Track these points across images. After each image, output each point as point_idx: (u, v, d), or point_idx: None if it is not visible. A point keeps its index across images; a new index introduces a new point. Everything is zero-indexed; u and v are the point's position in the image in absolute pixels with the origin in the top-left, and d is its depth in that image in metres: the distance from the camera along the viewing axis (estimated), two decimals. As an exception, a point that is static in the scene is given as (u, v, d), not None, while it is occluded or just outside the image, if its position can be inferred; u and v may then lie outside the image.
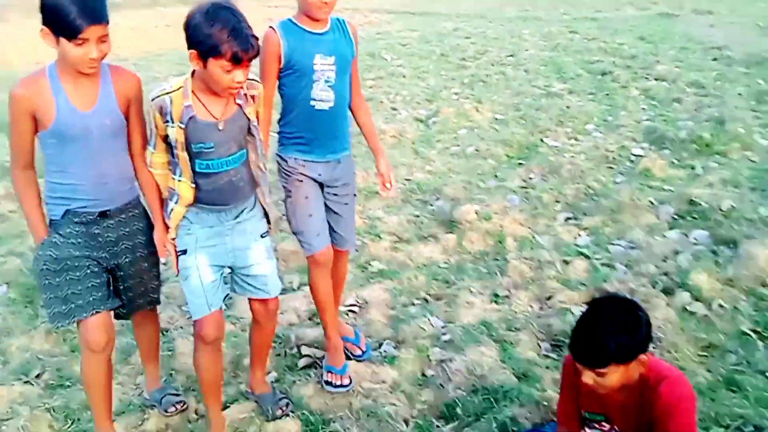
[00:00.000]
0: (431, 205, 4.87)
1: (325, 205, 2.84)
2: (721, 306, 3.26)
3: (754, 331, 3.09)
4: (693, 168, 5.16)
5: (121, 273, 2.49)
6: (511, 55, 10.30)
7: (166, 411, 2.80)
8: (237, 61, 2.05)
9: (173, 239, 2.40)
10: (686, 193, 4.52)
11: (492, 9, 17.33)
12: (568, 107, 7.04)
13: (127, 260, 2.47)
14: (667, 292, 3.41)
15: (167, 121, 2.20)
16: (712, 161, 5.25)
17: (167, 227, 2.40)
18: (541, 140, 6.13)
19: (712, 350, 3.00)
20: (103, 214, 2.34)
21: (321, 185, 2.80)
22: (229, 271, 2.53)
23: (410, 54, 10.91)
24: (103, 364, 2.43)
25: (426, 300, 3.68)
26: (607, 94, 7.56)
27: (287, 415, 2.72)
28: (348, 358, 3.01)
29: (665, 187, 4.84)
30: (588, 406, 2.12)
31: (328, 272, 2.87)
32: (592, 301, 2.03)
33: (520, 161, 5.70)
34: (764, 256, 3.54)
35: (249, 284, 2.56)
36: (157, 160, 2.34)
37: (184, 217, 2.37)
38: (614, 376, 1.88)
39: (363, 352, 3.13)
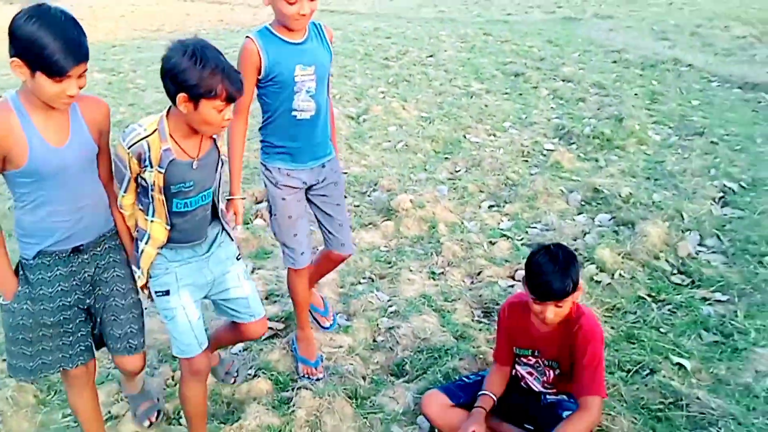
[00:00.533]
0: (369, 196, 5.31)
1: (317, 207, 2.91)
2: (621, 275, 3.88)
3: (649, 296, 3.71)
4: (597, 161, 5.82)
5: (97, 312, 2.35)
6: (431, 56, 10.88)
7: (141, 423, 2.85)
8: (231, 100, 2.06)
9: (145, 282, 2.35)
10: (591, 183, 5.16)
11: (409, 9, 17.93)
12: (486, 106, 7.64)
13: (102, 296, 2.31)
14: (578, 265, 4.00)
15: (145, 166, 2.12)
16: (613, 154, 5.94)
17: None
18: (464, 136, 6.68)
19: (615, 311, 3.58)
20: (77, 250, 2.18)
21: (308, 188, 2.85)
22: (202, 297, 2.48)
23: (335, 53, 11.26)
24: (89, 394, 2.52)
25: (371, 279, 4.12)
26: (521, 94, 8.22)
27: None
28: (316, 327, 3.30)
29: (573, 177, 5.47)
30: (519, 343, 2.62)
31: (306, 279, 3.04)
32: (539, 252, 2.45)
33: (446, 155, 6.22)
34: (656, 234, 4.19)
35: (231, 309, 2.54)
36: (127, 202, 2.25)
37: (158, 254, 2.29)
38: (567, 304, 2.40)
39: (330, 324, 3.41)
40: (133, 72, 10.80)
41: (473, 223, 4.79)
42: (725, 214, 4.57)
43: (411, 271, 4.13)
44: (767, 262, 3.91)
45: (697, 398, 2.78)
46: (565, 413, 2.50)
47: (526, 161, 5.96)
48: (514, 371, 2.72)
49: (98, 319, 2.36)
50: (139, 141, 2.07)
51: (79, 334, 2.33)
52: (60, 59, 1.85)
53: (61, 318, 2.24)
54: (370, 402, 2.97)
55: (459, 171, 5.79)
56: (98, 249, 2.25)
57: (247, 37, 2.58)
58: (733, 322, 3.34)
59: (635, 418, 2.71)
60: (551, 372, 2.60)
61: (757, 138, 6.04)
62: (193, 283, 2.36)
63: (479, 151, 6.13)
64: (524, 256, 4.13)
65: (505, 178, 5.52)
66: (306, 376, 3.10)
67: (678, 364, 3.07)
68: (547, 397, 2.63)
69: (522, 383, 2.72)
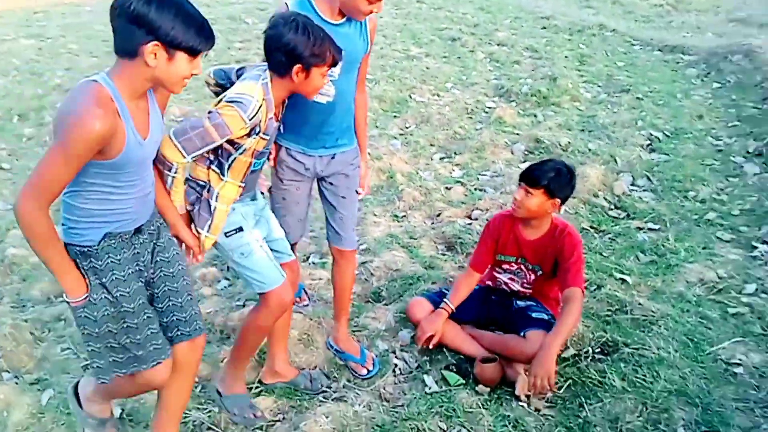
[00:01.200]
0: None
1: (323, 197, 2.80)
2: (566, 211, 4.30)
3: (591, 227, 4.16)
4: (535, 116, 6.25)
5: (158, 300, 2.17)
6: (368, 22, 11.06)
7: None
8: (335, 64, 2.28)
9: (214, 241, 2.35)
10: (533, 135, 5.58)
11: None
12: (427, 68, 7.95)
13: (165, 276, 2.16)
14: (528, 203, 4.40)
15: (252, 134, 2.21)
16: (550, 110, 6.39)
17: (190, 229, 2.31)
18: (410, 96, 6.97)
19: (563, 241, 4.00)
20: (137, 230, 2.05)
21: (320, 178, 2.74)
22: None
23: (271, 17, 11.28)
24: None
25: (339, 223, 4.39)
26: (459, 57, 8.56)
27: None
28: (355, 376, 2.93)
29: (515, 131, 5.88)
30: (506, 251, 2.98)
31: None
32: (549, 159, 3.00)
33: (395, 114, 6.51)
34: (595, 176, 4.65)
35: (275, 250, 2.54)
36: (199, 169, 2.30)
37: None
38: (536, 200, 2.76)
39: (369, 371, 2.94)
40: (63, 37, 10.47)
41: (428, 172, 5.12)
42: (653, 159, 5.09)
43: (375, 215, 4.43)
44: (691, 196, 4.44)
45: (639, 304, 3.23)
46: (535, 314, 2.89)
47: (471, 118, 6.33)
48: (494, 278, 3.08)
49: (159, 307, 2.17)
50: (257, 112, 2.15)
51: (158, 323, 2.13)
52: (204, 36, 1.80)
53: (141, 303, 2.05)
54: (354, 322, 3.27)
55: (409, 127, 6.10)
56: (152, 228, 2.12)
57: (285, 3, 2.49)
58: (665, 245, 3.82)
59: (588, 323, 3.12)
60: (532, 275, 2.98)
61: (677, 93, 6.63)
62: (255, 222, 2.46)
63: (426, 109, 6.45)
64: (479, 199, 4.54)
65: (453, 133, 5.87)
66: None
67: (621, 279, 3.51)
68: (518, 302, 2.99)
69: (500, 287, 3.08)
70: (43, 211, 1.76)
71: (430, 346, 2.92)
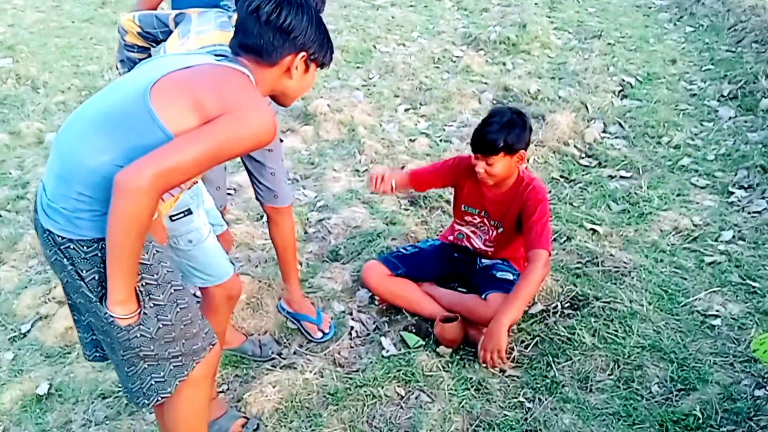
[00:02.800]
0: (284, 104, 5.23)
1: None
2: (536, 161, 4.09)
3: (561, 176, 3.95)
4: (504, 64, 5.98)
5: None
6: (332, -27, 10.61)
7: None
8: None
9: None
10: (501, 83, 5.32)
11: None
12: (393, 17, 7.60)
13: None
14: (495, 154, 4.17)
15: None
16: (519, 58, 6.11)
17: None
18: (374, 46, 6.64)
19: (532, 191, 3.79)
20: None
21: None
22: None
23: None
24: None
25: (296, 179, 4.13)
26: (426, 6, 8.20)
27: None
28: (308, 341, 2.72)
29: (484, 80, 5.61)
30: (468, 202, 2.75)
31: None
32: (492, 109, 2.64)
33: (358, 65, 6.19)
34: (565, 123, 4.42)
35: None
36: None
37: None
38: (500, 164, 2.50)
39: (324, 334, 2.73)
40: (8, -7, 9.91)
41: (392, 125, 4.85)
42: (625, 105, 4.87)
43: (335, 170, 4.17)
44: (665, 142, 4.24)
45: (611, 255, 3.04)
46: (499, 273, 2.68)
47: (438, 67, 6.03)
48: (457, 232, 2.85)
49: None
50: None
51: None
52: (332, 49, 1.73)
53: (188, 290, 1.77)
54: (309, 283, 3.05)
55: (372, 78, 5.80)
56: None
57: None
58: (638, 193, 3.63)
59: (557, 276, 2.93)
60: (494, 231, 2.75)
61: (650, 38, 6.39)
62: (197, 201, 2.11)
63: (391, 59, 6.13)
64: (444, 150, 4.30)
65: (419, 83, 5.58)
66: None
67: (592, 229, 3.32)
68: (483, 260, 2.78)
69: (463, 243, 2.85)
70: (157, 200, 1.42)
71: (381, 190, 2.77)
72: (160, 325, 1.58)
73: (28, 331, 2.84)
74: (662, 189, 3.66)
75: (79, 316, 1.71)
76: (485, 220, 2.75)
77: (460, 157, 2.83)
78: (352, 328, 2.76)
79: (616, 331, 2.58)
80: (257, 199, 2.64)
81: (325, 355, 2.61)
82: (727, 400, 2.27)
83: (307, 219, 3.61)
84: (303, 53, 1.62)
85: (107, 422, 2.35)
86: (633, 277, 2.89)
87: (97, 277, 1.51)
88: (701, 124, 4.49)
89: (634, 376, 2.39)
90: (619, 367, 2.43)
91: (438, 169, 2.83)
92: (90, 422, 2.36)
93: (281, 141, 2.55)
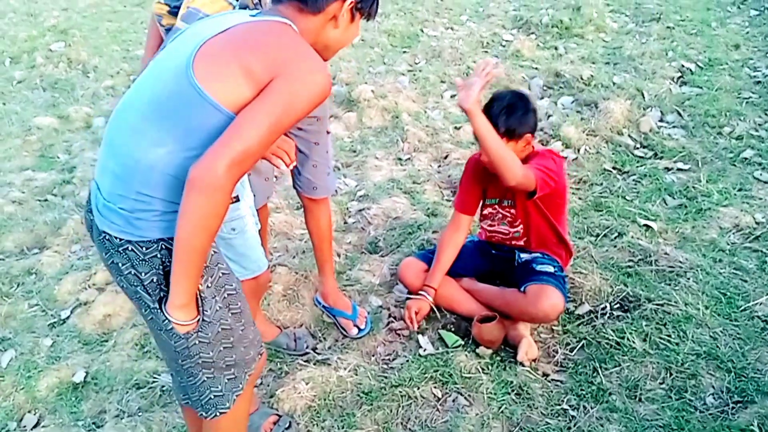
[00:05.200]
0: (328, 90, 5.16)
1: None
2: (587, 151, 3.91)
3: (614, 168, 3.76)
4: (556, 48, 5.76)
5: None
6: (381, -45, 10.45)
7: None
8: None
9: None
10: (552, 68, 5.12)
11: None
12: (441, 0, 7.43)
13: None
14: (544, 142, 4.01)
15: None
16: (572, 42, 5.88)
17: None
18: (421, 30, 6.51)
19: (582, 183, 3.62)
20: None
21: None
22: None
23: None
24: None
25: (337, 167, 4.05)
26: (476, -11, 8.01)
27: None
28: (344, 336, 2.65)
29: (534, 65, 5.42)
30: (491, 194, 2.62)
31: None
32: (492, 94, 2.45)
33: (404, 49, 6.07)
34: (619, 111, 4.22)
35: None
36: None
37: None
38: None
39: (360, 330, 2.65)
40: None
41: (437, 111, 4.72)
42: (684, 92, 4.61)
43: (377, 158, 4.08)
44: (726, 132, 4.00)
45: (666, 254, 2.86)
46: (539, 266, 2.53)
47: (486, 51, 5.86)
48: (486, 231, 2.72)
49: None
50: None
51: None
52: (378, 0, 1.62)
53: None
54: (347, 276, 2.97)
55: (419, 63, 5.67)
56: None
57: None
58: (696, 187, 3.42)
59: (607, 275, 2.78)
60: (508, 211, 2.59)
61: (712, 22, 6.06)
62: (245, 188, 2.06)
63: (438, 43, 5.99)
64: (490, 138, 4.15)
65: (466, 68, 5.43)
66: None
67: (645, 225, 3.14)
68: (521, 255, 2.64)
69: (495, 239, 2.71)
70: (231, 192, 1.33)
71: (416, 327, 2.55)
72: (219, 329, 1.50)
73: (68, 317, 2.85)
74: (722, 183, 3.44)
75: None
76: (501, 206, 2.61)
77: (473, 158, 2.66)
78: (389, 323, 2.68)
79: (669, 336, 2.42)
80: (295, 187, 2.56)
81: (360, 351, 2.53)
82: (789, 415, 2.11)
83: (347, 209, 3.53)
84: (350, 0, 1.51)
85: (140, 414, 2.32)
86: (689, 278, 2.71)
87: (155, 280, 1.43)
88: (766, 114, 4.21)
89: (688, 386, 2.23)
90: (671, 375, 2.28)
91: (468, 179, 2.66)
92: (123, 413, 2.35)
93: (328, 132, 2.45)
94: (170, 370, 1.63)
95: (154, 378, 2.45)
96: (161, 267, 1.43)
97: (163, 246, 1.40)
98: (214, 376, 1.56)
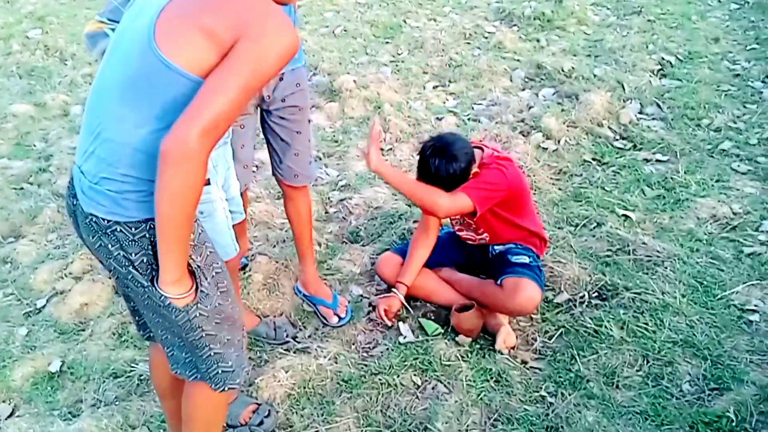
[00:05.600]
0: (309, 80, 5.13)
1: (271, 131, 2.39)
2: (567, 142, 3.92)
3: (593, 159, 3.78)
4: (538, 41, 5.76)
5: None
6: (364, -55, 10.40)
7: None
8: None
9: None
10: (534, 60, 5.12)
11: None
12: (425, -8, 7.41)
13: None
14: (524, 134, 4.02)
15: None
16: (554, 34, 5.89)
17: None
18: (404, 21, 6.47)
19: (562, 174, 3.64)
20: None
21: (266, 111, 2.34)
22: None
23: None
24: None
25: (319, 157, 4.03)
26: (459, -19, 8.00)
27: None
28: (324, 324, 2.65)
29: (516, 57, 5.42)
30: None
31: None
32: (422, 145, 2.44)
33: (387, 40, 6.04)
34: (599, 103, 4.24)
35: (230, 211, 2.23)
36: None
37: None
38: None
39: (340, 318, 2.65)
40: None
41: (419, 102, 4.71)
42: (664, 85, 4.65)
43: (359, 148, 4.06)
44: (705, 124, 4.04)
45: (643, 243, 2.89)
46: (514, 258, 2.53)
47: (469, 43, 5.85)
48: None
49: None
50: None
51: None
52: None
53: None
54: (327, 265, 2.97)
55: (401, 54, 5.64)
56: None
57: None
58: (674, 178, 3.45)
59: (585, 264, 2.80)
60: (471, 219, 2.56)
61: (692, 15, 6.11)
62: (218, 173, 2.07)
63: (421, 34, 5.97)
64: (471, 129, 4.16)
65: (449, 60, 5.41)
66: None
67: (624, 215, 3.17)
68: (495, 247, 2.64)
69: (465, 239, 2.72)
70: (206, 161, 1.29)
71: (389, 322, 2.57)
72: (216, 304, 1.50)
73: (44, 306, 2.82)
74: (700, 174, 3.48)
75: (128, 299, 1.66)
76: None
77: None
78: (369, 312, 2.68)
79: (647, 324, 2.45)
80: (274, 174, 2.54)
81: (341, 340, 2.53)
82: (763, 402, 2.13)
83: (329, 198, 3.52)
84: None
85: (117, 403, 2.30)
86: (666, 267, 2.74)
87: (145, 260, 1.43)
88: (744, 107, 4.27)
89: (664, 373, 2.26)
90: (648, 362, 2.30)
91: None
92: (100, 402, 2.33)
93: (309, 121, 2.45)
94: (171, 348, 1.62)
95: (132, 367, 2.43)
96: (150, 247, 1.42)
97: (152, 226, 1.39)
98: (223, 351, 1.57)
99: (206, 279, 1.48)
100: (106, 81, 1.42)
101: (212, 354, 1.56)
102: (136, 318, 1.71)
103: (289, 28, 1.34)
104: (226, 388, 1.64)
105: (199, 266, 1.46)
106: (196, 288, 1.45)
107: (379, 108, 4.55)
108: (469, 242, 2.70)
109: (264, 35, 1.30)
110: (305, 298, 2.73)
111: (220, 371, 1.60)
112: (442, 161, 2.32)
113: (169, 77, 1.31)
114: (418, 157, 2.43)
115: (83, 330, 2.68)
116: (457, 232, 2.71)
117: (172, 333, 1.55)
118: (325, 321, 2.64)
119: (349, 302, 2.72)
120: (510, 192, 2.42)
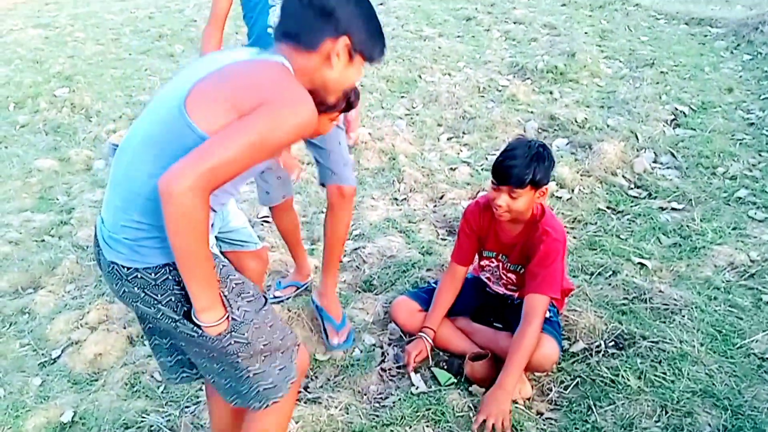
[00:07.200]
0: (326, 133, 5.22)
1: (307, 142, 2.53)
2: (581, 191, 3.93)
3: (608, 207, 3.78)
4: (551, 93, 5.85)
5: None
6: (381, 3, 10.70)
7: None
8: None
9: None
10: (547, 112, 5.19)
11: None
12: (439, 48, 7.56)
13: None
14: (539, 183, 4.03)
15: None
16: (567, 87, 5.97)
17: None
18: (419, 76, 6.61)
19: (576, 223, 3.64)
20: None
21: None
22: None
23: None
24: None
25: (333, 207, 4.07)
26: (473, 36, 8.16)
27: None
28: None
29: (529, 109, 5.49)
30: (485, 245, 2.61)
31: (282, 215, 2.91)
32: (517, 140, 2.44)
33: (402, 94, 6.16)
34: (613, 153, 4.26)
35: (237, 240, 2.47)
36: None
37: None
38: (524, 199, 2.31)
39: (340, 343, 2.70)
40: (71, 26, 10.30)
41: (433, 153, 4.77)
42: (678, 134, 4.67)
43: (374, 198, 4.11)
44: (720, 173, 4.03)
45: (660, 291, 2.85)
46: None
47: (483, 96, 5.94)
48: (479, 271, 2.72)
49: None
50: None
51: None
52: (382, 44, 1.59)
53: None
54: (340, 314, 2.95)
55: (416, 107, 5.75)
56: None
57: None
58: (690, 226, 3.43)
59: (601, 313, 2.76)
60: (513, 275, 2.58)
61: (705, 66, 6.17)
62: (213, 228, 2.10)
63: (436, 88, 6.08)
64: (485, 179, 4.19)
65: (463, 112, 5.50)
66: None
67: (640, 263, 3.14)
68: (516, 298, 2.63)
69: (488, 289, 2.73)
70: (206, 198, 1.33)
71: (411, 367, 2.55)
72: (253, 328, 1.54)
73: (59, 356, 2.83)
74: (717, 222, 3.45)
75: (159, 341, 1.70)
76: (502, 264, 2.59)
77: (470, 209, 2.63)
78: (381, 361, 2.65)
79: (665, 373, 2.40)
80: (321, 182, 2.63)
81: (352, 390, 2.50)
82: (788, 454, 2.06)
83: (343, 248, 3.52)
84: (345, 39, 1.51)
85: (127, 453, 2.29)
86: (684, 316, 2.70)
87: (173, 299, 1.48)
88: (759, 155, 4.26)
89: (684, 424, 2.20)
90: (666, 413, 2.24)
91: (464, 231, 2.63)
92: (110, 453, 2.31)
93: (341, 128, 2.56)
94: (212, 376, 1.65)
95: (143, 417, 2.42)
96: (177, 287, 1.47)
97: (173, 269, 1.44)
98: (263, 370, 1.60)
99: (236, 308, 1.52)
100: (133, 139, 1.51)
101: (251, 375, 1.59)
102: (168, 358, 1.74)
103: (308, 102, 1.40)
104: (268, 404, 1.64)
105: (226, 296, 1.51)
106: (227, 317, 1.49)
107: (393, 159, 4.62)
108: (491, 291, 2.70)
109: (284, 108, 1.38)
110: (316, 308, 2.77)
111: (261, 389, 1.62)
112: (541, 158, 2.32)
113: (187, 135, 1.37)
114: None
115: (96, 380, 2.68)
116: (484, 278, 2.71)
117: (208, 361, 1.59)
118: (325, 339, 2.70)
119: (353, 332, 2.76)
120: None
